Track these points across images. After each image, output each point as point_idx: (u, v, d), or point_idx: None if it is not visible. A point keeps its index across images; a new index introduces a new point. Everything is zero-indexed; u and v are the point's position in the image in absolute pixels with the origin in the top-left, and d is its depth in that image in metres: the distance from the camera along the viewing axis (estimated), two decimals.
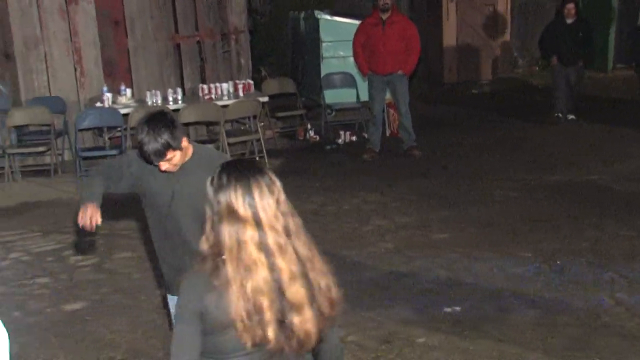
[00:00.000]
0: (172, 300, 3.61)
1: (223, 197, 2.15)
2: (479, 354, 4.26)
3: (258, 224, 2.13)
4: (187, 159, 3.35)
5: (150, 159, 3.25)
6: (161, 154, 3.21)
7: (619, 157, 8.31)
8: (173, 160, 3.27)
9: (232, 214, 2.13)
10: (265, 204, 2.15)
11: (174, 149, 3.23)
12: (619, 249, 5.72)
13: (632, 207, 6.66)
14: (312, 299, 2.18)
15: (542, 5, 14.69)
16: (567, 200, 7.00)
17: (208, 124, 9.42)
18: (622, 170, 7.86)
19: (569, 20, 10.00)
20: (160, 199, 3.43)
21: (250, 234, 2.12)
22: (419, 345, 4.42)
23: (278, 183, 2.21)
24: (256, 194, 2.15)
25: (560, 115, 10.26)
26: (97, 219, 3.32)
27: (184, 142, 3.28)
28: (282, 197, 2.20)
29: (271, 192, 2.18)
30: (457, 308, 4.86)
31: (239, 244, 2.12)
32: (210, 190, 2.18)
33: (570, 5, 10.03)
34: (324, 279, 2.22)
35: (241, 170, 2.19)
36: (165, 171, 3.32)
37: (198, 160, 3.37)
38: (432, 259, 5.74)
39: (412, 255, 5.83)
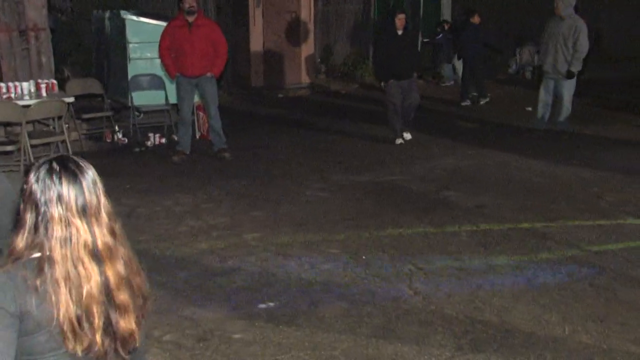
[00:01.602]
0: None
1: (48, 195, 2.10)
2: (293, 346, 4.45)
3: (88, 224, 2.12)
4: None
5: None
6: None
7: (418, 159, 8.93)
8: None
9: (59, 214, 2.09)
10: (93, 204, 2.12)
11: None
12: (417, 243, 6.19)
13: (428, 205, 7.22)
14: (134, 300, 2.20)
15: (342, 15, 15.39)
16: (371, 199, 7.44)
17: (7, 124, 8.92)
18: (418, 171, 8.47)
19: (400, 32, 9.68)
20: None
21: (78, 235, 2.09)
22: (236, 341, 4.53)
23: (100, 183, 2.20)
24: (84, 193, 2.12)
25: (401, 141, 9.77)
26: None
27: None
28: (106, 198, 2.20)
29: (97, 192, 2.16)
30: (272, 304, 5.03)
31: (68, 246, 2.08)
32: (34, 186, 2.12)
33: (402, 16, 9.67)
34: (137, 278, 2.24)
35: (67, 167, 2.15)
36: None
37: None
38: (246, 257, 5.88)
39: (226, 255, 5.93)
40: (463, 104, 12.97)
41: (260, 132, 10.68)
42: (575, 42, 9.75)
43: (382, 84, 9.87)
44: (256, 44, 14.16)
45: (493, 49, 14.41)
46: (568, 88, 10.00)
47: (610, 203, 7.18)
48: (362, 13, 15.89)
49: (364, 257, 5.85)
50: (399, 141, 9.76)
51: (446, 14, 15.93)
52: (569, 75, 9.87)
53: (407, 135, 9.92)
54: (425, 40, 15.18)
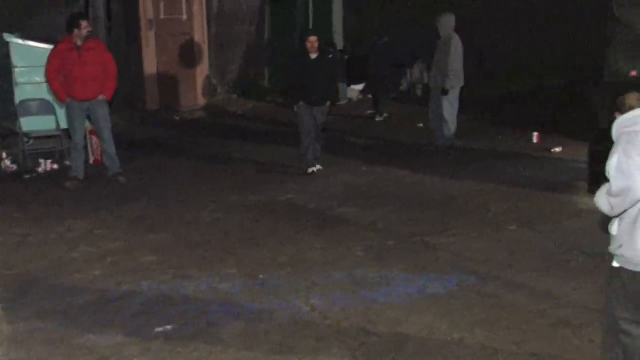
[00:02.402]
0: None
1: None
2: None
3: None
4: None
5: None
6: None
7: (313, 177, 9.07)
8: None
9: None
10: None
11: None
12: (313, 259, 6.31)
13: (324, 221, 7.36)
14: None
15: (236, 36, 15.48)
16: (267, 218, 7.52)
17: None
18: (314, 189, 8.62)
19: (313, 56, 9.09)
20: None
21: None
22: None
23: None
24: None
25: (314, 169, 9.26)
26: None
27: None
28: None
29: None
30: (168, 326, 5.02)
31: None
32: None
33: (312, 38, 9.05)
34: None
35: None
36: None
37: None
38: (142, 281, 5.83)
39: (121, 280, 5.87)
40: (378, 119, 13.37)
41: (156, 154, 10.59)
42: (447, 59, 10.17)
43: (294, 107, 9.25)
44: (149, 66, 14.03)
45: (400, 67, 14.94)
46: (447, 104, 10.37)
47: (495, 213, 7.52)
48: (256, 34, 16.03)
49: (260, 276, 5.92)
50: (310, 170, 9.20)
51: (337, 32, 16.26)
52: (443, 91, 10.28)
53: (317, 167, 9.35)
54: None
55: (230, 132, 12.36)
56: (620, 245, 3.75)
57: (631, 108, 3.78)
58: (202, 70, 14.73)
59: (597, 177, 7.79)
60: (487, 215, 7.47)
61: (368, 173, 9.35)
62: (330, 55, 15.23)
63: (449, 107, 10.35)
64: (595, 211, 7.24)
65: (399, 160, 9.97)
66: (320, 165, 9.35)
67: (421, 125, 12.09)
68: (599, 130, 7.77)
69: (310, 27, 15.57)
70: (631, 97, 3.82)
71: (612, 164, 3.67)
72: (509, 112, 13.55)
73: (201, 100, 14.68)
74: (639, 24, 7.41)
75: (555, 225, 7.02)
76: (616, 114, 3.86)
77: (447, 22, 10.25)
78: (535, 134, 10.90)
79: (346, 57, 15.18)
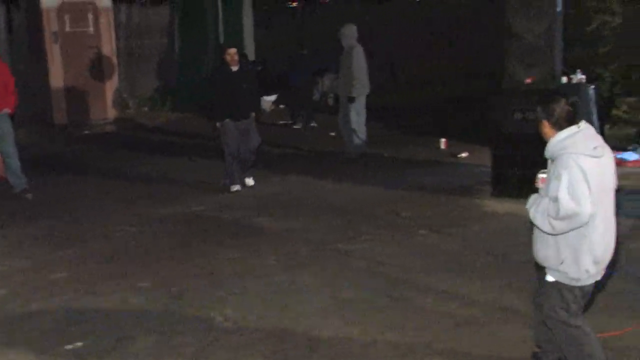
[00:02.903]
0: None
1: None
2: None
3: None
4: None
5: None
6: None
7: (223, 189, 9.07)
8: None
9: None
10: None
11: None
12: (227, 270, 6.32)
13: (238, 232, 7.38)
14: None
15: (146, 49, 15.34)
16: (181, 230, 7.49)
17: None
18: (229, 200, 8.63)
19: (234, 68, 8.83)
20: None
21: None
22: None
23: None
24: None
25: (238, 188, 9.00)
26: None
27: None
28: None
29: None
30: (79, 344, 4.94)
31: None
32: None
33: (232, 51, 8.80)
34: None
35: None
36: None
37: None
38: (51, 299, 5.72)
39: (29, 298, 5.74)
40: (295, 127, 13.62)
41: (64, 170, 10.36)
42: (350, 68, 10.38)
43: (217, 124, 8.92)
44: (56, 80, 13.72)
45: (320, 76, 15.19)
46: (353, 113, 10.56)
47: (406, 219, 7.71)
48: (166, 47, 15.93)
49: (174, 288, 5.89)
50: (235, 188, 8.94)
51: (249, 45, 16.31)
52: (349, 100, 10.48)
53: (250, 181, 9.17)
54: None
55: (142, 145, 12.23)
56: (562, 262, 3.85)
57: (560, 116, 3.85)
58: (112, 83, 14.52)
59: (500, 181, 8.20)
60: (398, 221, 7.65)
61: (282, 182, 9.43)
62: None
63: (356, 116, 10.54)
64: (499, 213, 7.62)
65: (312, 169, 10.09)
66: (253, 181, 9.18)
67: (333, 134, 12.26)
68: (500, 135, 8.11)
69: (222, 41, 15.58)
70: (560, 105, 3.87)
71: (562, 188, 3.69)
72: (419, 119, 13.91)
73: (111, 114, 14.47)
74: (531, 33, 7.73)
75: (462, 229, 7.25)
76: (544, 122, 3.93)
77: (349, 32, 10.47)
78: (443, 140, 11.24)
79: (259, 68, 15.26)
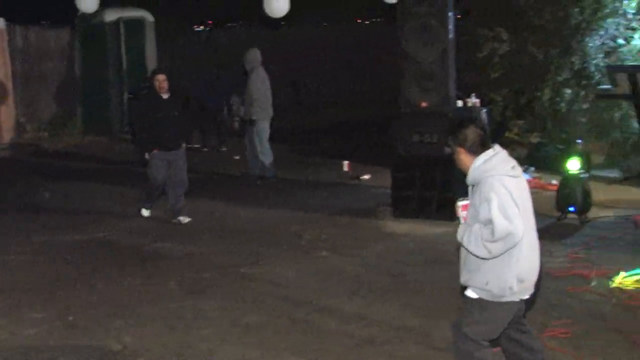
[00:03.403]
0: None
1: None
2: None
3: None
4: None
5: None
6: None
7: (128, 214, 8.90)
8: None
9: None
10: None
11: None
12: (128, 297, 6.20)
13: (139, 258, 7.27)
14: None
15: (45, 72, 14.98)
16: (80, 257, 7.31)
17: None
18: (129, 226, 8.48)
19: (165, 95, 8.31)
20: None
21: None
22: None
23: None
24: None
25: (148, 214, 8.69)
26: None
27: None
28: None
29: None
30: None
31: None
32: None
33: (162, 77, 8.30)
34: None
35: None
36: None
37: None
38: None
39: None
40: (205, 149, 13.60)
41: None
42: (250, 91, 10.46)
43: (146, 155, 8.46)
44: None
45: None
46: (257, 136, 10.61)
47: (308, 241, 7.78)
48: (66, 71, 15.58)
49: (70, 318, 5.73)
50: (146, 213, 8.62)
51: (151, 67, 16.12)
52: (250, 122, 10.55)
53: (185, 219, 8.51)
54: (130, 95, 15.21)
55: (40, 170, 11.88)
56: (487, 283, 3.88)
57: (474, 142, 3.90)
58: (8, 107, 14.07)
59: (400, 202, 8.40)
60: (301, 243, 7.71)
61: (187, 207, 9.32)
62: (145, 92, 15.13)
63: (259, 139, 10.58)
64: (399, 234, 7.79)
65: (218, 193, 10.05)
66: (188, 218, 8.57)
67: (237, 157, 12.26)
68: (398, 157, 8.32)
69: (124, 66, 15.37)
70: (471, 130, 3.92)
71: (494, 210, 3.72)
72: (322, 142, 14.07)
73: (7, 139, 13.99)
74: (426, 59, 7.99)
75: (363, 250, 7.38)
76: (459, 149, 3.94)
77: (252, 56, 10.55)
78: (346, 162, 11.41)
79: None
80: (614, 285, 5.96)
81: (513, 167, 3.89)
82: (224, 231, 8.23)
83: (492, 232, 3.72)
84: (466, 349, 3.97)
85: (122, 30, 15.29)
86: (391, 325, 5.46)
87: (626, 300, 5.65)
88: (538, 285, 4.05)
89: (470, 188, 4.03)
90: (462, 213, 4.03)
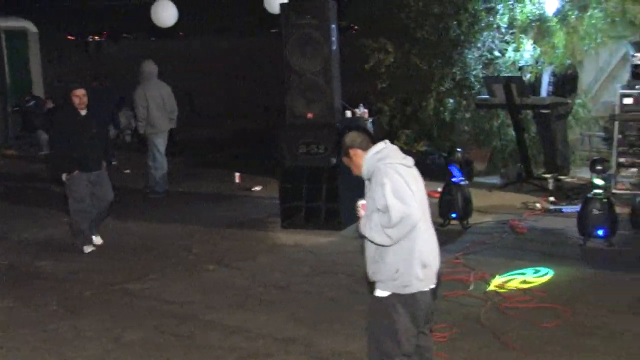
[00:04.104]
0: None
1: None
2: None
3: None
4: None
5: None
6: None
7: (3, 233, 8.57)
8: None
9: None
10: None
11: None
12: (6, 319, 5.97)
13: (17, 278, 7.04)
14: None
15: None
16: None
17: None
18: (7, 245, 8.18)
19: (83, 112, 7.62)
20: None
21: None
22: None
23: None
24: None
25: (92, 248, 7.92)
26: None
27: None
28: None
29: None
30: None
31: None
32: None
33: (81, 92, 7.58)
34: None
35: None
36: None
37: None
38: None
39: None
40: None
41: None
42: (137, 105, 10.29)
43: (64, 176, 7.75)
44: None
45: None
46: (150, 151, 10.44)
47: (197, 254, 7.71)
48: None
49: None
50: (88, 249, 7.85)
51: (36, 82, 15.64)
52: (141, 138, 10.39)
53: (98, 240, 8.11)
54: (15, 108, 14.70)
55: None
56: (397, 271, 3.86)
57: (363, 139, 3.96)
58: None
59: (288, 213, 8.45)
60: (189, 257, 7.64)
61: (68, 224, 9.07)
62: (30, 104, 14.64)
63: (151, 153, 10.43)
64: (287, 245, 7.83)
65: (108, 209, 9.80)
66: (101, 239, 8.16)
67: (128, 171, 12.02)
68: (286, 168, 8.37)
69: (7, 79, 14.82)
70: (355, 133, 4.01)
71: (388, 194, 3.73)
72: (215, 154, 14.00)
73: None
74: (309, 70, 8.09)
75: (251, 262, 7.37)
76: (353, 151, 3.97)
77: (145, 68, 10.36)
78: (237, 174, 11.39)
79: (52, 106, 14.65)
80: (490, 289, 6.20)
81: (405, 158, 3.97)
82: (112, 247, 8.04)
83: (390, 218, 3.73)
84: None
85: (3, 41, 14.74)
86: (276, 338, 5.47)
87: (500, 303, 5.87)
88: (439, 277, 4.09)
89: (366, 184, 4.06)
90: (362, 212, 4.03)
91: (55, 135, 7.88)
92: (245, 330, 5.64)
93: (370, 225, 3.84)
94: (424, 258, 3.92)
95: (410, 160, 3.99)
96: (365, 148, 3.97)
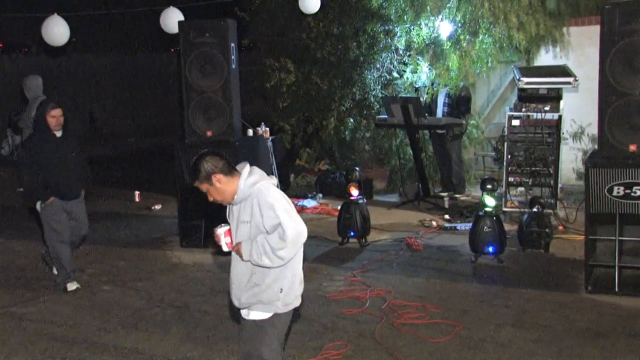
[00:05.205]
0: None
1: None
2: None
3: None
4: None
5: None
6: None
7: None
8: None
9: None
10: None
11: None
12: None
13: None
14: None
15: None
16: None
17: None
18: None
19: (59, 134, 6.91)
20: None
21: None
22: None
23: None
24: None
25: (77, 286, 7.07)
26: None
27: None
28: None
29: None
30: None
31: None
32: None
33: (58, 112, 6.84)
34: None
35: None
36: None
37: None
38: None
39: None
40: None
41: None
42: (29, 123, 9.94)
43: (38, 205, 6.98)
44: None
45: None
46: None
47: (91, 275, 7.51)
48: None
49: None
50: (73, 286, 7.03)
51: None
52: None
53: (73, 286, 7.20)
54: None
55: None
56: (281, 290, 3.85)
57: (224, 163, 3.86)
58: None
59: (187, 232, 8.37)
60: (83, 278, 7.41)
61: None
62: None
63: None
64: (186, 264, 7.74)
65: None
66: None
67: (21, 189, 11.57)
68: (184, 187, 8.29)
69: None
70: (214, 157, 3.88)
71: (282, 214, 3.69)
72: (115, 171, 13.71)
73: None
74: (208, 88, 8.07)
75: (148, 282, 7.24)
76: (213, 176, 3.86)
77: (31, 84, 9.78)
78: (136, 192, 11.19)
79: None
80: (385, 305, 6.31)
81: (272, 178, 3.95)
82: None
83: (282, 237, 3.70)
84: None
85: None
86: (169, 359, 5.39)
87: (395, 320, 5.98)
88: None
89: (229, 209, 4.00)
90: (225, 239, 3.96)
91: (27, 160, 6.89)
92: (138, 352, 5.54)
93: (258, 249, 3.76)
94: (301, 275, 3.99)
95: (276, 180, 4.00)
96: (228, 173, 3.88)
